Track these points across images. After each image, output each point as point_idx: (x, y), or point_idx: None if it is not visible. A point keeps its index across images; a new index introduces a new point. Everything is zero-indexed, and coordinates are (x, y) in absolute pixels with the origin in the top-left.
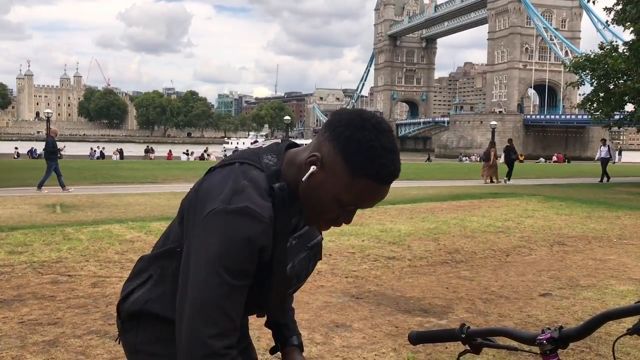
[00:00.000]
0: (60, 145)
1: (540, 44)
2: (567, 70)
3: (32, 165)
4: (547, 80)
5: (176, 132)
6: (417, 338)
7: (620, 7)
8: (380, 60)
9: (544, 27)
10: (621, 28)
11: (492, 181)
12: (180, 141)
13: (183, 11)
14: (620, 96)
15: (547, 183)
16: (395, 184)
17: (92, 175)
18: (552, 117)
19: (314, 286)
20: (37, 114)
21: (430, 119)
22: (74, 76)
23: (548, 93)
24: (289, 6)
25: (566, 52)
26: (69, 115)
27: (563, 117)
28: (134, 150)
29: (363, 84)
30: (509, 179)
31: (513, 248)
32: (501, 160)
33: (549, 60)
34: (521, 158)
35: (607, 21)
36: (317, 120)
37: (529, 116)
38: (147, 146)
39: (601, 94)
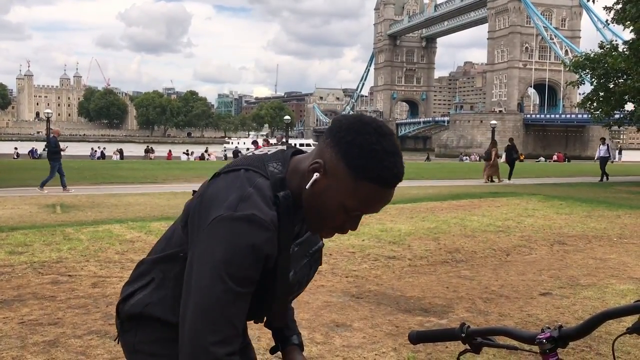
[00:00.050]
0: (63, 145)
1: (540, 43)
2: (567, 69)
3: (32, 166)
4: (547, 80)
5: (176, 132)
6: (417, 338)
7: (620, 6)
8: (380, 59)
9: (543, 27)
10: (621, 27)
11: (492, 180)
12: (180, 141)
13: (183, 11)
14: (620, 95)
15: (547, 182)
16: None
17: (92, 176)
18: (552, 116)
19: (314, 286)
20: (37, 114)
21: (430, 119)
22: (74, 76)
23: (548, 92)
24: (288, 6)
25: (566, 51)
26: (69, 115)
27: (563, 116)
28: (134, 150)
29: (363, 84)
30: (509, 179)
31: (513, 247)
32: (502, 159)
33: (549, 60)
34: (521, 157)
35: (607, 20)
36: (317, 120)
37: (529, 115)
38: (147, 146)
39: (601, 93)
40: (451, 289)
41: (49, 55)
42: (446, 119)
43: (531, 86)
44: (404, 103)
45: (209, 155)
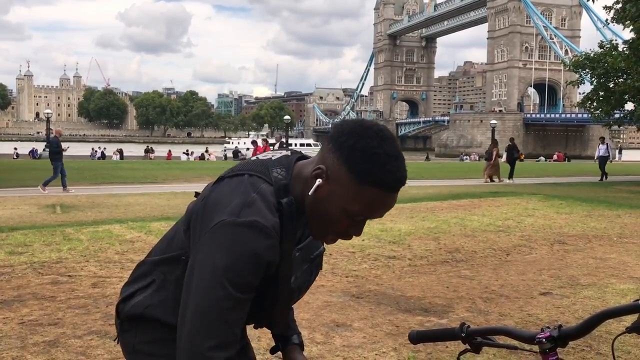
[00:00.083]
0: (64, 145)
1: (540, 42)
2: (567, 69)
3: (32, 166)
4: (547, 79)
5: (176, 132)
6: (417, 337)
7: (620, 5)
8: (380, 59)
9: (543, 26)
10: (621, 26)
11: (492, 180)
12: (180, 141)
13: (182, 11)
14: (620, 95)
15: (548, 182)
16: None
17: (92, 176)
18: (552, 115)
19: (314, 286)
20: (37, 114)
21: (430, 118)
22: (74, 76)
23: (548, 92)
24: (288, 6)
25: (566, 50)
26: (69, 115)
27: (563, 115)
28: (134, 150)
29: (363, 83)
30: (509, 178)
31: (513, 247)
32: (503, 159)
33: (549, 59)
34: (521, 157)
35: (606, 20)
36: (317, 120)
37: (529, 115)
38: (147, 146)
39: (601, 93)
40: (451, 289)
41: (49, 55)
42: (446, 118)
43: (531, 86)
44: (404, 103)
45: (209, 155)
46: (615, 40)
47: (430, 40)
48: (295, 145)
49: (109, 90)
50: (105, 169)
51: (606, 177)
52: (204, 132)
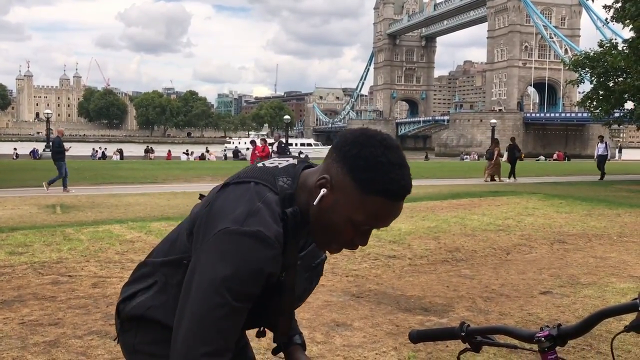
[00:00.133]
0: (66, 145)
1: (539, 42)
2: (567, 68)
3: (32, 166)
4: (546, 78)
5: (176, 132)
6: (417, 337)
7: (619, 4)
8: (380, 59)
9: (543, 25)
10: (621, 25)
11: (492, 179)
12: (180, 141)
13: (182, 11)
14: (620, 94)
15: (547, 181)
16: None
17: (92, 176)
18: (552, 115)
19: None
20: (37, 114)
21: (430, 118)
22: (74, 76)
23: (548, 91)
24: (288, 5)
25: (566, 50)
26: (69, 115)
27: (563, 115)
28: (134, 150)
29: (363, 83)
30: (509, 178)
31: (513, 246)
32: (504, 158)
33: (549, 58)
34: (522, 156)
35: (606, 19)
36: (317, 120)
37: (528, 114)
38: (147, 146)
39: (601, 92)
40: (451, 288)
41: (49, 55)
42: (446, 118)
43: (531, 85)
44: (404, 102)
45: (209, 155)
46: (615, 39)
47: (430, 39)
48: (296, 145)
49: (109, 90)
50: (105, 169)
51: (603, 177)
52: (204, 132)
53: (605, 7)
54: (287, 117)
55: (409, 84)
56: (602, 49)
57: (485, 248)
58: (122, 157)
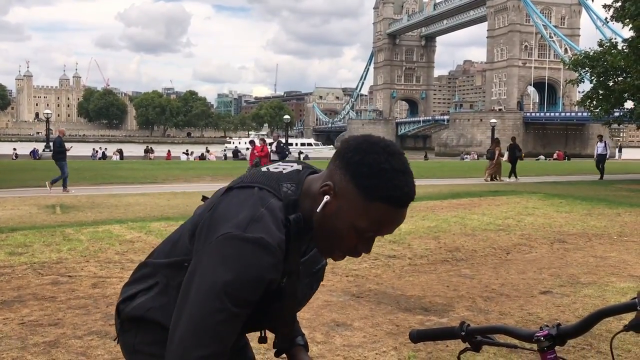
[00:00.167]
0: (67, 145)
1: (539, 41)
2: (567, 67)
3: (32, 166)
4: (546, 78)
5: (176, 132)
6: (417, 336)
7: (619, 4)
8: (380, 58)
9: (543, 25)
10: (620, 25)
11: (492, 179)
12: (180, 141)
13: (182, 11)
14: (620, 93)
15: (547, 181)
16: None
17: (92, 176)
18: (552, 114)
19: None
20: (37, 114)
21: (430, 117)
22: (73, 77)
23: (548, 91)
24: (288, 5)
25: (565, 49)
26: (69, 115)
27: (563, 114)
28: (134, 150)
29: (362, 83)
30: (509, 177)
31: (513, 246)
32: (505, 158)
33: (549, 58)
34: (522, 156)
35: (606, 18)
36: (316, 119)
37: (528, 114)
38: (147, 146)
39: (601, 91)
40: (451, 288)
41: (48, 55)
42: (446, 117)
43: (531, 84)
44: (404, 102)
45: (209, 155)
46: (615, 38)
47: (430, 39)
48: (296, 144)
49: (109, 90)
50: (105, 169)
51: (602, 177)
52: (204, 132)
53: (605, 6)
54: (287, 117)
55: (409, 83)
56: (601, 48)
57: (485, 248)
58: (122, 157)
